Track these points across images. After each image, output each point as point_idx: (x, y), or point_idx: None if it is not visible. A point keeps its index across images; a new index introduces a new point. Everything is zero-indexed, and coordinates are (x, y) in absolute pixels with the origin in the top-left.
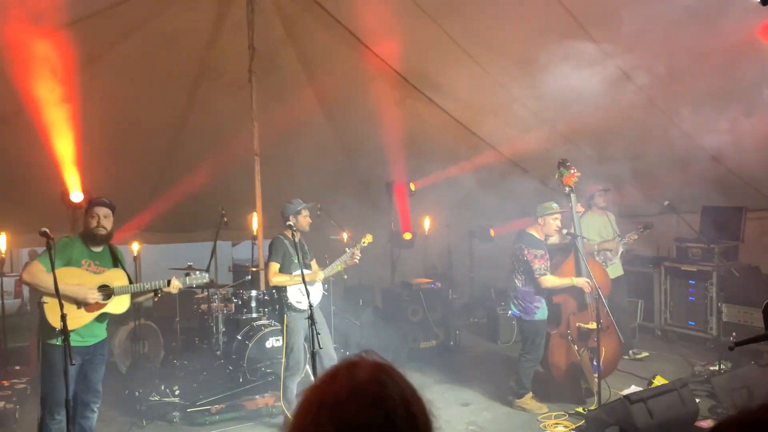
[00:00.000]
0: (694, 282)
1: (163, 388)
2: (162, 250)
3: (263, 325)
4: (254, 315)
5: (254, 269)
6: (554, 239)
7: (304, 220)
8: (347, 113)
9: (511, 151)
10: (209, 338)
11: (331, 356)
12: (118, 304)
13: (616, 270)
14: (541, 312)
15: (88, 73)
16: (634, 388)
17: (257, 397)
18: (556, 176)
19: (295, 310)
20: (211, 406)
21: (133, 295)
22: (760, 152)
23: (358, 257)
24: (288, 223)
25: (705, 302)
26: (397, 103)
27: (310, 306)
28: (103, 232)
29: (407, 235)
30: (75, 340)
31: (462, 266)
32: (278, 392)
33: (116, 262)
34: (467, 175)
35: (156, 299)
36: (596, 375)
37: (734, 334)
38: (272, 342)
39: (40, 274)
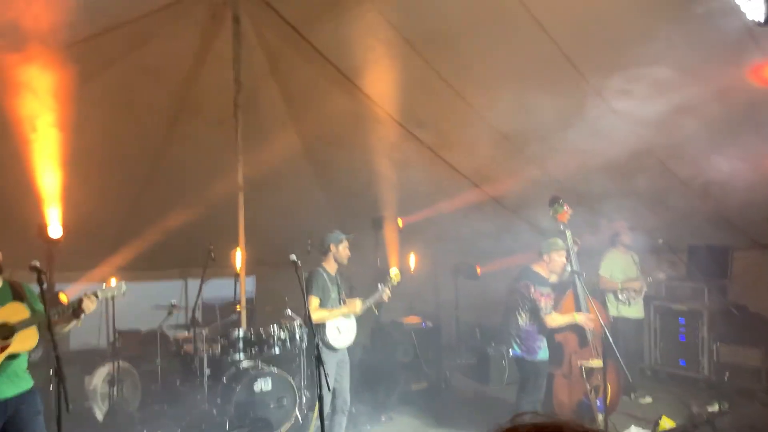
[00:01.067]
0: (684, 321)
1: None
2: (143, 288)
3: (251, 367)
4: (241, 356)
5: (238, 308)
6: (554, 278)
7: (344, 251)
8: (330, 149)
9: (496, 189)
10: (192, 381)
11: (345, 399)
12: (24, 340)
13: (637, 311)
14: (543, 351)
15: (67, 103)
16: (634, 429)
17: None
18: (551, 213)
19: (331, 348)
20: None
21: (44, 327)
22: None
23: (388, 295)
24: (293, 258)
25: (696, 341)
26: (381, 140)
27: (317, 346)
28: None
29: (394, 271)
30: None
31: (447, 305)
32: None
33: (18, 296)
34: (452, 213)
35: (78, 323)
36: (601, 414)
37: (727, 373)
38: (260, 385)
39: None
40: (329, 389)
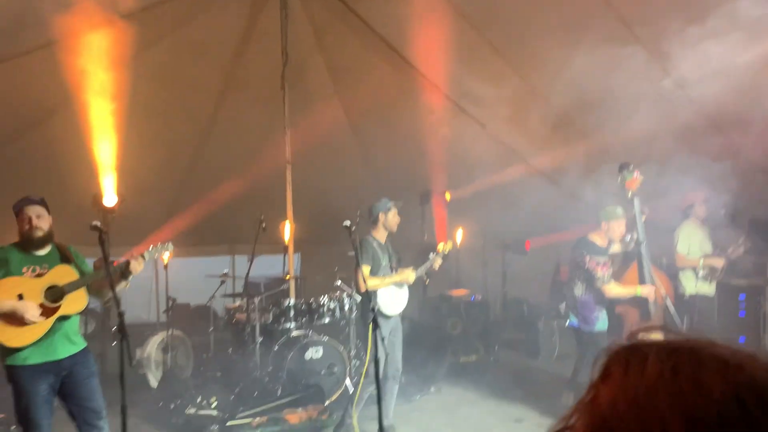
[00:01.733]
0: (744, 297)
1: (199, 400)
2: (192, 264)
3: (301, 335)
4: (292, 325)
5: (288, 278)
6: (615, 248)
7: (393, 218)
8: (376, 123)
9: (546, 163)
10: (244, 349)
11: (397, 366)
12: (75, 302)
13: (711, 288)
14: (602, 323)
15: (120, 75)
16: None
17: (300, 409)
18: (619, 180)
19: (383, 315)
20: (251, 419)
21: (96, 290)
22: None
23: (439, 263)
24: (346, 224)
25: (757, 318)
26: (428, 113)
27: (373, 309)
28: (39, 233)
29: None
30: (38, 356)
31: (495, 280)
32: (321, 405)
33: (65, 259)
34: (500, 187)
35: (126, 285)
36: None
37: None
38: (311, 353)
39: None
40: (386, 353)
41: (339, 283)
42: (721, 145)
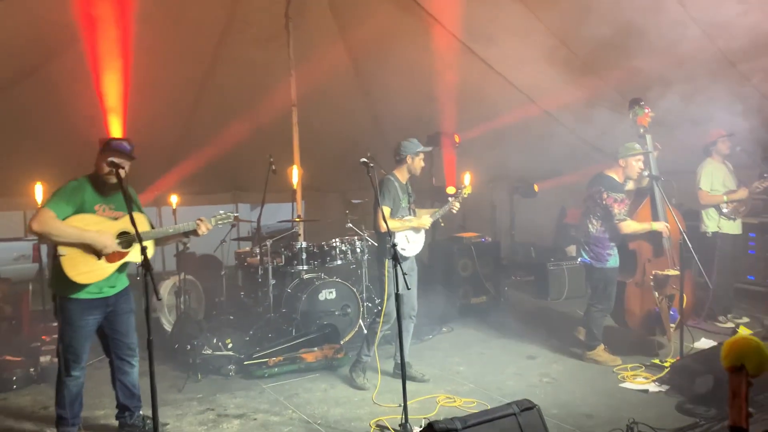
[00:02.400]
0: (754, 235)
1: (215, 341)
2: (195, 212)
3: (314, 277)
4: (304, 267)
5: (298, 220)
6: (630, 186)
7: (419, 163)
8: (381, 63)
9: (552, 104)
10: (256, 291)
11: (413, 305)
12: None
13: (738, 227)
14: (613, 259)
15: (120, 16)
16: (704, 341)
17: (315, 349)
18: (630, 116)
19: (400, 257)
20: (268, 358)
21: (158, 241)
22: None
23: (457, 208)
24: (364, 160)
25: (766, 256)
26: (435, 54)
27: (394, 245)
28: (114, 180)
29: (451, 189)
30: (91, 293)
31: (503, 223)
32: (336, 344)
33: (131, 204)
34: (508, 129)
35: (185, 243)
36: (674, 324)
37: None
38: (325, 294)
39: (51, 221)
40: (408, 288)
41: (349, 224)
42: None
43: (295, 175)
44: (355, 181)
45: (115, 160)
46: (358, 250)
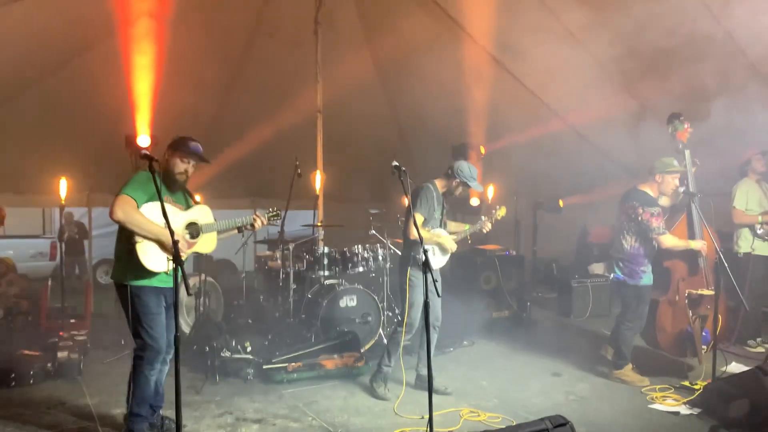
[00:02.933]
0: None
1: (234, 344)
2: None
3: (335, 284)
4: (326, 273)
5: (320, 225)
6: (664, 201)
7: (462, 190)
8: (407, 73)
9: (580, 120)
10: (276, 296)
11: (437, 315)
12: (207, 243)
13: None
14: (647, 277)
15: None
16: (735, 366)
17: (335, 356)
18: (669, 131)
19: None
20: (287, 363)
21: (218, 233)
22: None
23: (488, 229)
24: (395, 164)
25: None
26: (462, 65)
27: (425, 251)
28: (184, 178)
29: (474, 201)
30: (162, 281)
31: (526, 237)
32: (357, 352)
33: (188, 199)
34: (534, 143)
35: (242, 235)
36: (705, 346)
37: None
38: (346, 301)
39: (134, 211)
40: (438, 295)
41: (372, 232)
42: None
43: (318, 180)
44: (375, 191)
45: (190, 161)
46: (381, 258)
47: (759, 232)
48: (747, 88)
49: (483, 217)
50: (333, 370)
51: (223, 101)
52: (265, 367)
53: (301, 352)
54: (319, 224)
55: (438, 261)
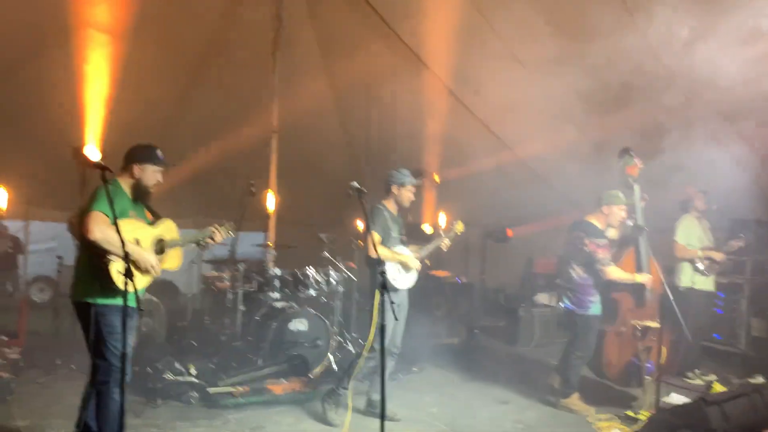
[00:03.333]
0: (723, 295)
1: (177, 366)
2: None
3: (286, 306)
4: (276, 295)
5: (271, 245)
6: (612, 233)
7: (407, 194)
8: (363, 99)
9: (529, 153)
10: (222, 318)
11: (396, 342)
12: (174, 259)
13: (711, 283)
14: (596, 306)
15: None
16: (675, 397)
17: (284, 381)
18: (620, 165)
19: (391, 288)
20: (233, 387)
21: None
22: None
23: (448, 245)
24: (355, 185)
25: (733, 316)
26: (417, 95)
27: (383, 273)
28: (154, 190)
29: (426, 227)
30: (128, 299)
31: (474, 266)
32: (305, 377)
33: (150, 212)
34: (485, 174)
35: (203, 250)
36: (649, 377)
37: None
38: (296, 325)
39: (109, 230)
40: (396, 318)
41: (326, 254)
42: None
43: (271, 201)
44: (325, 216)
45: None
46: (333, 281)
47: (699, 267)
48: (700, 126)
49: (441, 233)
50: (281, 394)
51: (174, 118)
52: (210, 390)
53: (248, 376)
54: (270, 245)
55: (406, 280)
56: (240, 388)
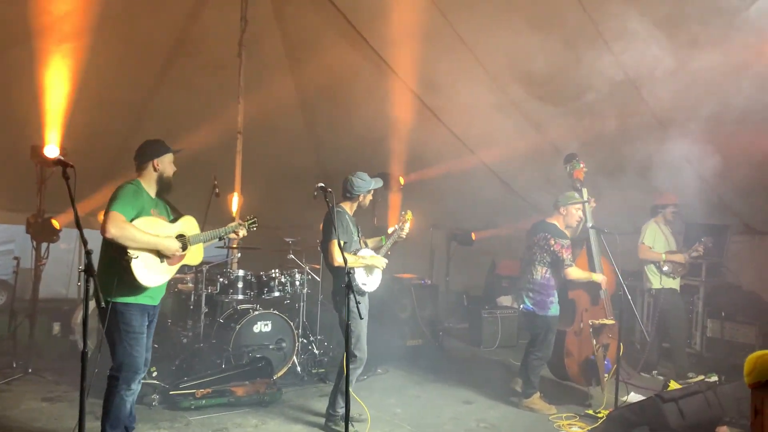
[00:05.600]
0: None
1: None
2: None
3: (250, 308)
4: (240, 297)
5: (235, 248)
6: (568, 232)
7: (369, 198)
8: (329, 101)
9: (493, 158)
10: (184, 320)
11: (363, 347)
12: (195, 255)
13: (676, 284)
14: (555, 307)
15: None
16: (633, 396)
17: (247, 383)
18: (567, 170)
19: (360, 293)
20: (195, 390)
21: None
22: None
23: (406, 231)
24: (321, 185)
25: (690, 317)
26: (382, 97)
27: (348, 273)
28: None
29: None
30: (150, 297)
31: (439, 268)
32: (269, 379)
33: (171, 210)
34: (449, 177)
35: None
36: (607, 374)
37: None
38: (260, 327)
39: (127, 226)
40: (360, 317)
41: (291, 256)
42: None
43: (235, 203)
44: (290, 217)
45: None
46: (298, 283)
47: (664, 269)
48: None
49: (395, 226)
50: (244, 397)
51: (139, 118)
52: (171, 392)
53: (210, 378)
54: (234, 246)
55: (374, 282)
56: (202, 390)
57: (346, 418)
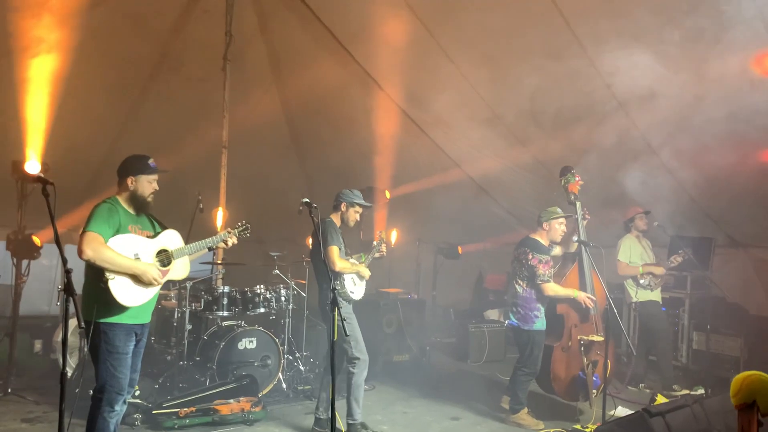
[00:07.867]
0: (664, 309)
1: None
2: None
3: (234, 325)
4: (224, 313)
5: (219, 263)
6: (557, 251)
7: (353, 214)
8: (314, 116)
9: (477, 171)
10: (167, 337)
11: (362, 350)
12: (180, 269)
13: (656, 296)
14: (540, 322)
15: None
16: (621, 410)
17: (232, 401)
18: (562, 183)
19: (350, 300)
20: (179, 408)
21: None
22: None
23: (384, 251)
24: (306, 200)
25: (675, 330)
26: (368, 112)
27: (334, 289)
28: (152, 199)
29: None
30: (132, 317)
31: (426, 282)
32: (254, 397)
33: (154, 223)
34: (436, 191)
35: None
36: (596, 390)
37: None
38: (245, 343)
39: (103, 248)
40: (346, 334)
41: (276, 271)
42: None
43: (220, 217)
44: (275, 232)
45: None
46: (283, 298)
47: (642, 282)
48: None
49: (375, 242)
50: (228, 415)
51: (123, 132)
52: (154, 412)
53: (194, 397)
54: (218, 262)
55: (361, 290)
56: (186, 409)
57: (332, 427)
